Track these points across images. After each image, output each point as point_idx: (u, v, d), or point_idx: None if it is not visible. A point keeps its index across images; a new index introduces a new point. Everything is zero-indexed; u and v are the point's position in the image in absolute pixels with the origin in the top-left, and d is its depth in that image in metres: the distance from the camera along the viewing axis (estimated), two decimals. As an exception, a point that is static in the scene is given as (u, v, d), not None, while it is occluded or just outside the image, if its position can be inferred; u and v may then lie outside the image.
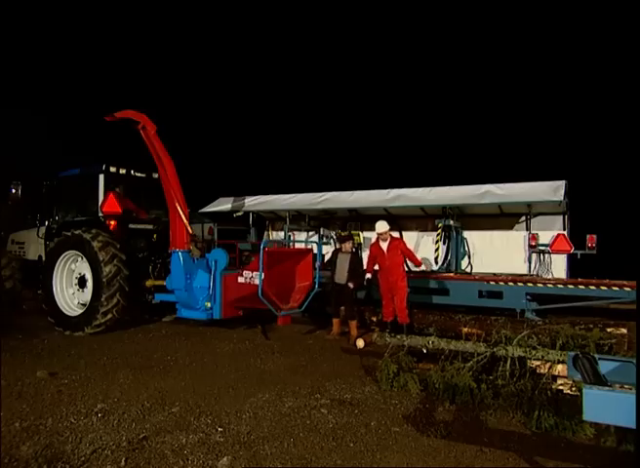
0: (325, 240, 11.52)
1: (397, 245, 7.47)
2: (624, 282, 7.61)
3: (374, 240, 7.85)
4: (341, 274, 7.69)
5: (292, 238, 11.96)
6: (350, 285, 7.60)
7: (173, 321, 8.66)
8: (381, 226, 7.49)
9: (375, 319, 8.23)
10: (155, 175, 8.57)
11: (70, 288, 8.28)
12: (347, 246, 7.83)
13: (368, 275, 7.72)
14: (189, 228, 7.81)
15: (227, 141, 23.35)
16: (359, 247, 11.06)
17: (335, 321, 7.85)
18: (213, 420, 4.20)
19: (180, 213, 7.68)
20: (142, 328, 8.27)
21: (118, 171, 8.57)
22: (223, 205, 12.17)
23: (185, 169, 8.55)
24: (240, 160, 23.01)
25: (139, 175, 8.89)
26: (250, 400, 4.73)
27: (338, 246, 8.12)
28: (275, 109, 24.60)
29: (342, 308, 7.97)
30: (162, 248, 8.28)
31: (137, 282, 8.05)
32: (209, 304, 7.54)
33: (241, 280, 7.44)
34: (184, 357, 6.37)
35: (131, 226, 8.56)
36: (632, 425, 2.32)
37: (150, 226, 8.87)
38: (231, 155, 23.11)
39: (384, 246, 7.45)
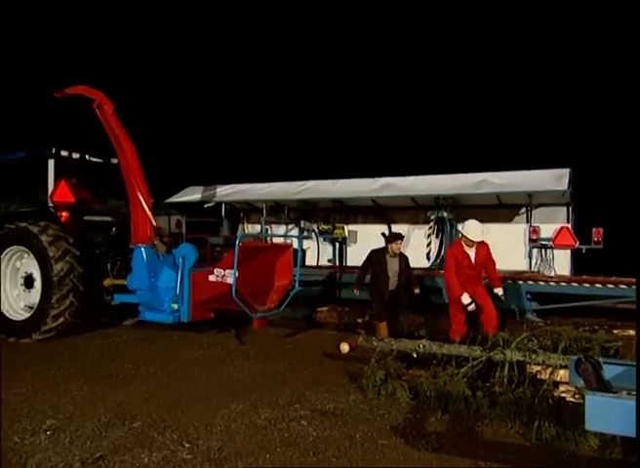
0: (306, 234, 11.53)
1: (487, 251, 6.72)
2: (633, 279, 7.76)
3: (450, 242, 7.12)
4: (393, 278, 7.40)
5: (269, 232, 11.94)
6: (417, 290, 7.48)
7: (135, 325, 8.57)
8: (477, 231, 6.59)
9: (361, 321, 8.27)
10: (114, 161, 8.45)
11: (15, 288, 8.11)
12: (396, 247, 7.39)
13: (467, 298, 6.45)
14: (153, 220, 7.76)
15: (197, 123, 23.05)
16: (344, 241, 11.10)
17: (382, 325, 7.41)
18: (179, 435, 4.17)
19: (143, 203, 7.61)
20: (100, 333, 8.16)
21: (70, 155, 8.43)
22: (193, 195, 12.11)
23: (149, 153, 8.47)
24: (211, 144, 22.74)
25: (94, 160, 8.75)
26: (221, 412, 4.71)
27: (385, 245, 7.61)
28: (250, 88, 24.38)
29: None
30: (122, 242, 8.18)
31: (93, 281, 7.95)
32: (176, 306, 7.49)
33: (212, 278, 7.39)
34: (148, 365, 6.30)
35: (86, 218, 8.43)
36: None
37: (109, 218, 8.76)
38: (202, 139, 22.84)
39: (472, 252, 6.67)
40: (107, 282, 8.26)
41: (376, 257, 7.52)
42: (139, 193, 7.61)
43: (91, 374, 5.86)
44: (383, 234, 9.28)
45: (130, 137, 7.73)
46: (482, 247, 6.72)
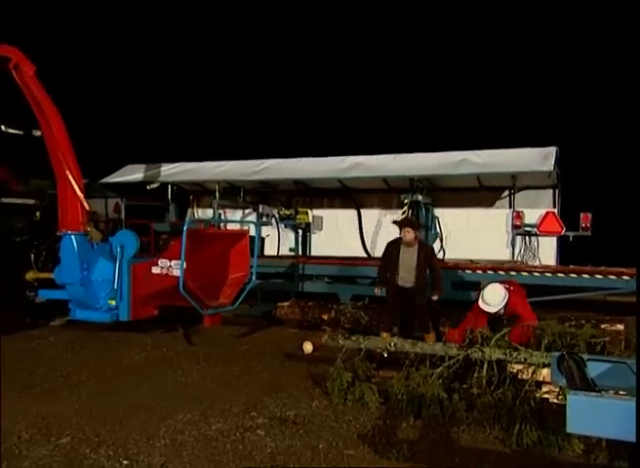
0: (265, 220, 11.51)
1: (517, 300, 6.42)
2: (623, 269, 8.04)
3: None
4: (408, 274, 6.78)
5: (222, 217, 11.87)
6: (435, 297, 6.86)
7: (64, 325, 8.45)
8: (494, 303, 6.18)
9: (326, 317, 8.32)
10: (37, 133, 8.26)
11: None
12: (409, 234, 6.75)
13: None
14: (86, 204, 7.64)
15: (138, 91, 22.39)
16: (307, 228, 11.11)
17: (384, 336, 6.66)
18: (116, 451, 4.12)
19: (73, 183, 7.48)
20: (22, 335, 7.97)
21: None
22: (133, 174, 11.93)
23: (80, 125, 8.31)
24: (155, 116, 22.18)
25: (12, 131, 8.61)
26: (166, 422, 4.68)
27: (398, 234, 7.02)
28: (202, 54, 23.80)
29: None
30: (48, 229, 8.09)
31: (12, 274, 7.89)
32: (113, 302, 7.45)
33: (156, 270, 7.37)
34: (79, 371, 6.21)
35: (3, 201, 8.31)
36: (627, 438, 2.43)
37: (31, 201, 8.67)
38: (144, 109, 22.23)
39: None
40: (30, 275, 8.18)
41: (389, 249, 6.98)
42: (67, 171, 7.46)
43: (9, 384, 5.67)
44: (395, 221, 8.81)
45: (55, 105, 7.53)
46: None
